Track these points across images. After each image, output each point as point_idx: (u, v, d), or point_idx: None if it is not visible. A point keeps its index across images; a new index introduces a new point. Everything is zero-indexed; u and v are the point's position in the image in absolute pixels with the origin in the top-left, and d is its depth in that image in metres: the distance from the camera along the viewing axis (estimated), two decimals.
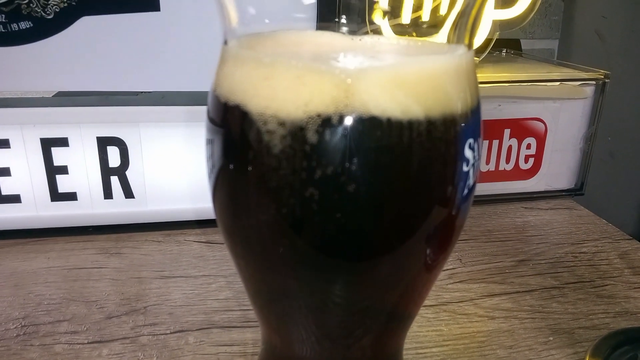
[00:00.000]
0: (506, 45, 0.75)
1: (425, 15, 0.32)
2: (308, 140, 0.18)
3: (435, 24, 0.24)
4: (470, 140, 0.20)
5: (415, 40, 0.24)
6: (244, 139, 0.20)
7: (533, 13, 0.65)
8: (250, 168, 0.20)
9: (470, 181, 0.21)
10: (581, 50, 0.88)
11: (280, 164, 0.19)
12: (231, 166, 0.21)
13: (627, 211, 0.85)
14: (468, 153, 0.20)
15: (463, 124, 0.20)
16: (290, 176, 0.19)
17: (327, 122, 0.18)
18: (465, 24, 0.21)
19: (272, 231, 0.21)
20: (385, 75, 0.19)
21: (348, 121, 0.18)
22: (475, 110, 0.21)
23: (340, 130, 0.18)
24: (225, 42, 0.22)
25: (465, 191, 0.21)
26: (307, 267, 0.22)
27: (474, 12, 0.21)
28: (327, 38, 0.24)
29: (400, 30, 0.25)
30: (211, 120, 0.22)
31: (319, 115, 0.18)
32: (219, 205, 0.23)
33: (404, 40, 0.24)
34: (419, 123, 0.19)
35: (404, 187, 0.19)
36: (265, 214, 0.21)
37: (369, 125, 0.18)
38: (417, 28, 0.25)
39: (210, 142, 0.22)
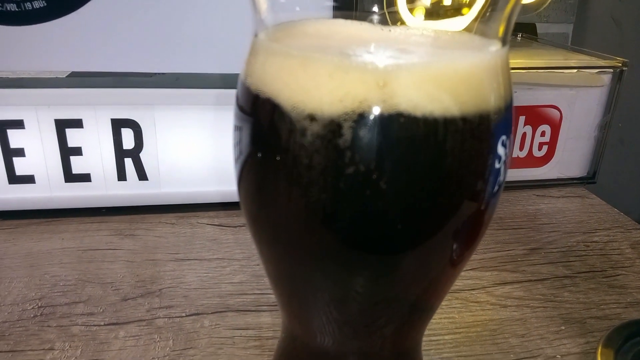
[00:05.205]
0: (522, 29, 0.74)
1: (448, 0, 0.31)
2: (342, 136, 0.18)
3: (458, 10, 0.24)
4: (503, 137, 0.20)
5: (445, 32, 0.24)
6: (275, 132, 0.20)
7: None
8: (280, 161, 0.20)
9: (501, 177, 0.21)
10: (596, 34, 0.87)
11: (312, 159, 0.19)
12: (260, 157, 0.21)
13: (635, 197, 0.85)
14: (500, 150, 0.20)
15: (497, 121, 0.20)
16: (322, 171, 0.19)
17: (361, 118, 0.18)
18: (499, 17, 0.21)
19: (300, 223, 0.21)
20: (421, 71, 0.18)
21: (383, 117, 0.18)
22: (509, 107, 0.21)
23: (374, 126, 0.18)
24: (256, 35, 0.21)
25: (496, 187, 0.21)
26: (333, 259, 0.22)
27: (510, 4, 0.21)
28: (356, 28, 0.23)
29: (419, 13, 0.25)
30: (241, 108, 0.22)
31: (353, 111, 0.18)
32: (244, 192, 0.23)
33: (434, 31, 0.24)
34: (454, 120, 0.18)
35: (437, 185, 0.19)
36: (294, 207, 0.21)
37: (405, 121, 0.18)
38: (438, 13, 0.25)
39: (238, 129, 0.22)
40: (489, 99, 0.19)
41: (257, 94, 0.20)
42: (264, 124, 0.21)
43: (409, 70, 0.18)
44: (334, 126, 0.18)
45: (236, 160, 0.23)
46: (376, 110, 0.18)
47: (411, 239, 0.20)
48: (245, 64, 0.22)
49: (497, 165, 0.20)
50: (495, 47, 0.20)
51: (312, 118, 0.19)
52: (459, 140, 0.19)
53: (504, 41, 0.21)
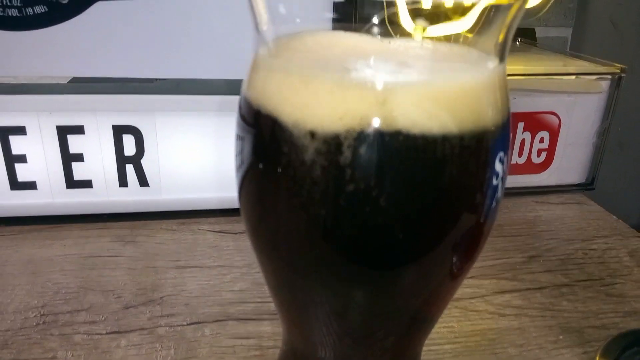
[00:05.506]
0: (521, 34, 0.74)
1: (449, 2, 0.31)
2: (342, 153, 0.19)
3: (457, 15, 0.24)
4: (501, 154, 0.20)
5: (443, 44, 0.24)
6: (276, 147, 0.20)
7: (550, 3, 0.65)
8: (281, 175, 0.20)
9: (499, 194, 0.21)
10: (595, 38, 0.87)
11: (312, 176, 0.19)
12: (261, 169, 0.21)
13: (634, 203, 0.85)
14: (498, 166, 0.20)
15: (494, 138, 0.20)
16: (322, 188, 0.19)
17: (361, 136, 0.18)
18: (496, 31, 0.21)
19: (300, 237, 0.22)
20: (420, 89, 0.19)
21: (382, 135, 0.18)
22: (506, 124, 0.21)
23: (374, 144, 0.18)
24: (256, 50, 0.22)
25: (494, 204, 0.21)
26: (332, 273, 0.22)
27: (507, 20, 0.21)
28: (356, 40, 0.23)
29: (416, 14, 0.25)
30: (243, 118, 0.22)
31: (353, 129, 0.18)
32: (245, 201, 0.24)
33: (432, 44, 0.24)
34: (452, 139, 0.19)
35: (435, 203, 0.19)
36: (293, 221, 0.21)
37: (403, 140, 0.18)
38: (437, 16, 0.25)
39: (240, 138, 0.23)
40: (487, 117, 0.20)
41: (259, 109, 0.21)
42: (265, 138, 0.21)
43: (408, 87, 0.18)
44: (334, 143, 0.19)
45: (237, 169, 0.23)
46: (376, 128, 0.18)
47: (410, 255, 0.20)
48: (247, 77, 0.22)
49: (494, 182, 0.20)
50: (493, 64, 0.21)
51: (312, 135, 0.19)
52: (457, 157, 0.19)
53: (501, 57, 0.21)
